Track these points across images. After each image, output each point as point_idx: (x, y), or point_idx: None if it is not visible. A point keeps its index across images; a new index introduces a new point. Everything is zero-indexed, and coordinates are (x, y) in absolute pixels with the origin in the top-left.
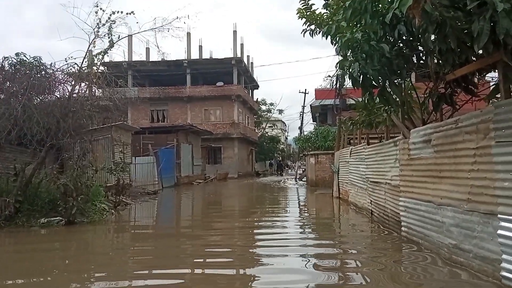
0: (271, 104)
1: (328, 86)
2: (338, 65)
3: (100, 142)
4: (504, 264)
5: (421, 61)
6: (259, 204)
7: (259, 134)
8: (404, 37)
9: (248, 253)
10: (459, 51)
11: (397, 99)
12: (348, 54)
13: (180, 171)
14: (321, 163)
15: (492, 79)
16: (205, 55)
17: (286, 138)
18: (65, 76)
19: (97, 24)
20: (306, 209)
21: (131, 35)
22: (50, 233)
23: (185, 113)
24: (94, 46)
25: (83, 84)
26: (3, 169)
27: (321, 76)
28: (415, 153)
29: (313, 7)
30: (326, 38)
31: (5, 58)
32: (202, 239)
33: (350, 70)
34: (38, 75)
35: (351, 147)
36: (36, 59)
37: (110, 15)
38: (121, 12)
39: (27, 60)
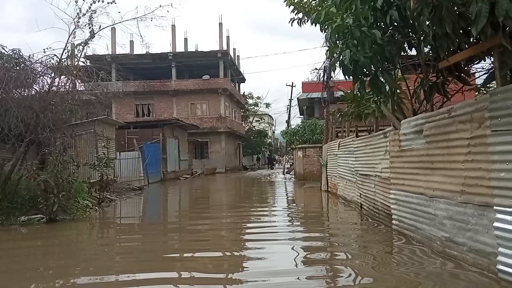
0: (258, 97)
1: (315, 79)
2: (328, 52)
3: (83, 137)
4: (500, 258)
5: (413, 48)
6: (246, 199)
7: (246, 128)
8: (396, 23)
9: (236, 251)
10: (454, 37)
11: (389, 88)
12: (338, 42)
13: (167, 166)
14: (309, 156)
15: (483, 69)
16: (191, 48)
17: (274, 132)
18: (44, 68)
19: (77, 14)
20: (294, 203)
21: (113, 25)
22: (30, 231)
23: (170, 107)
24: (75, 37)
25: (63, 77)
26: None
27: (308, 69)
28: (406, 145)
29: None
30: (315, 26)
31: None
32: (188, 237)
33: (341, 57)
34: (17, 68)
35: (339, 139)
36: (15, 51)
37: (91, 4)
38: (102, 1)
39: (5, 53)
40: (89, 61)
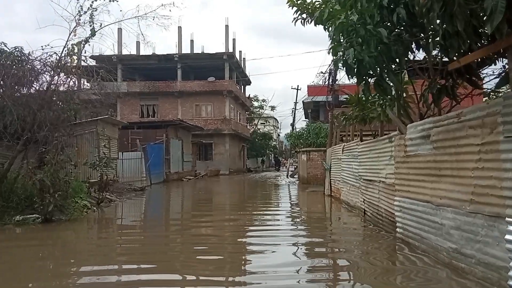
0: (263, 100)
1: (321, 83)
2: (331, 51)
3: (85, 137)
4: None
5: (421, 48)
6: (249, 202)
7: (251, 130)
8: (403, 22)
9: (237, 258)
10: (465, 36)
11: (395, 91)
12: (342, 40)
13: (170, 167)
14: (313, 160)
15: (493, 73)
16: (197, 50)
17: (278, 135)
18: (43, 66)
19: (79, 11)
20: (297, 207)
21: (113, 23)
22: (25, 231)
23: (175, 108)
24: (75, 35)
25: (62, 75)
26: None
27: (314, 72)
28: (412, 150)
29: None
30: (319, 25)
31: None
32: (188, 243)
33: (345, 56)
34: (19, 65)
35: (343, 143)
36: (17, 49)
37: (92, 1)
38: None
39: (8, 50)
40: (95, 61)
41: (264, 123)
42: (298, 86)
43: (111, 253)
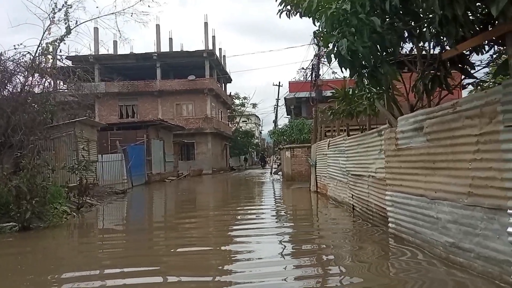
0: (245, 98)
1: (302, 79)
2: (322, 42)
3: (63, 139)
4: None
5: (414, 37)
6: (234, 201)
7: (233, 128)
8: (395, 9)
9: (223, 255)
10: (463, 22)
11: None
12: (334, 32)
13: (151, 168)
14: (297, 156)
15: (481, 62)
16: (176, 48)
17: (261, 132)
18: (16, 66)
19: (53, 9)
20: (283, 205)
21: (90, 20)
22: (1, 241)
23: (155, 108)
24: (50, 34)
25: (37, 76)
26: None
27: (295, 68)
28: (403, 143)
29: None
30: (305, 17)
31: None
32: (173, 245)
33: (337, 47)
34: None
35: (329, 139)
36: None
37: None
38: None
39: None
40: (71, 61)
41: (246, 121)
42: (279, 82)
43: (92, 259)
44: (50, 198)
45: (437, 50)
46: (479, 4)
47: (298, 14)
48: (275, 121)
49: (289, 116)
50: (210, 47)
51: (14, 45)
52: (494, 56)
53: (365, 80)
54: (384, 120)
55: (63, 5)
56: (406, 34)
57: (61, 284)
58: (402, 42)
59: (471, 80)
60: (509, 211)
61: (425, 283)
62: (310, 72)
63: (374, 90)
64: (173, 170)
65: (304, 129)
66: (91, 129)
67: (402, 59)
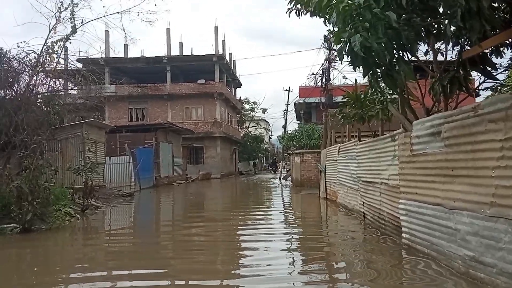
0: (254, 103)
1: (312, 84)
2: (333, 39)
3: (70, 141)
4: None
5: (432, 35)
6: (242, 207)
7: (242, 133)
8: (413, 4)
9: (230, 269)
10: (488, 16)
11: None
12: (347, 28)
13: (160, 171)
14: (306, 162)
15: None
16: (186, 52)
17: (270, 137)
18: (20, 65)
19: (59, 8)
20: (291, 212)
21: (95, 19)
22: (1, 242)
23: (165, 111)
24: (55, 33)
25: (41, 75)
26: None
27: (305, 74)
28: (419, 148)
29: None
30: (316, 16)
31: None
32: (179, 249)
33: (350, 43)
34: None
35: (339, 144)
36: None
37: None
38: None
39: None
40: (81, 64)
41: (256, 126)
42: (289, 87)
43: (91, 263)
44: (53, 200)
45: (449, 53)
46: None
47: (309, 13)
48: (284, 126)
49: (298, 122)
50: (220, 51)
51: (17, 43)
52: None
53: (379, 81)
54: (397, 125)
55: (69, 3)
56: (423, 31)
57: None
58: (419, 40)
59: (489, 84)
60: None
61: None
62: (320, 77)
63: (387, 93)
64: (182, 174)
65: (313, 135)
66: (99, 131)
67: (417, 63)
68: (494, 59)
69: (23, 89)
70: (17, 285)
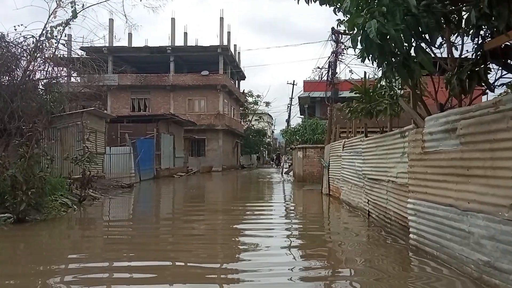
0: (258, 96)
1: (317, 78)
2: (347, 25)
3: (69, 130)
4: None
5: (453, 23)
6: (242, 201)
7: (245, 126)
8: None
9: (229, 269)
10: None
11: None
12: (362, 13)
13: (160, 163)
14: (309, 157)
15: None
16: (190, 43)
17: (273, 131)
18: (17, 49)
19: None
20: (293, 208)
21: (97, 4)
22: None
23: (167, 102)
24: (55, 17)
25: (40, 61)
26: None
27: (310, 68)
28: (431, 146)
29: None
30: (326, 4)
31: None
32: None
33: (365, 29)
34: None
35: (344, 140)
36: None
37: None
38: None
39: None
40: (84, 52)
41: (259, 120)
42: (294, 81)
43: (87, 255)
44: (50, 190)
45: (465, 47)
46: None
47: (318, 0)
48: (288, 120)
49: (302, 116)
50: (225, 42)
51: (14, 26)
52: None
53: (395, 72)
54: (406, 121)
55: None
56: (443, 20)
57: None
58: (440, 28)
59: (505, 80)
60: None
61: None
62: (326, 70)
63: (397, 88)
64: (183, 166)
65: (317, 129)
66: (99, 120)
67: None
68: None
69: (20, 75)
70: (7, 275)
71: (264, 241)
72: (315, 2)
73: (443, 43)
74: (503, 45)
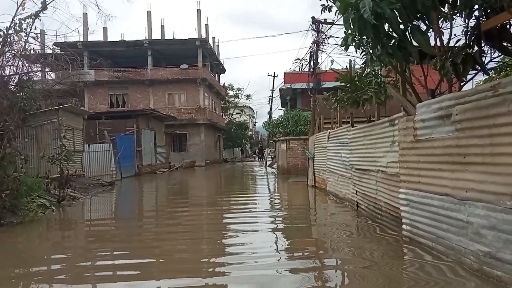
0: (239, 89)
1: (297, 70)
2: (339, 5)
3: (45, 128)
4: None
5: (447, 3)
6: (225, 196)
7: (227, 120)
8: None
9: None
10: None
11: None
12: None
13: (142, 159)
14: (292, 149)
15: None
16: (168, 36)
17: (255, 124)
18: None
19: None
20: (278, 201)
21: None
22: None
23: (147, 97)
24: (24, 9)
25: (9, 55)
26: None
27: (290, 59)
28: (424, 133)
29: None
30: None
31: None
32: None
33: (359, 9)
34: None
35: (329, 130)
36: None
37: None
38: None
39: None
40: (59, 48)
41: (240, 113)
42: (274, 73)
43: (61, 260)
44: (26, 191)
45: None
46: None
47: None
48: (270, 113)
49: (284, 108)
50: (203, 35)
51: None
52: None
53: (389, 55)
54: (393, 110)
55: None
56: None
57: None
58: (436, 6)
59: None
60: None
61: None
62: (307, 61)
63: (382, 76)
64: (165, 162)
65: (300, 121)
66: (76, 117)
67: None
68: None
69: None
70: None
71: (250, 235)
72: None
73: (430, 27)
74: (498, 25)
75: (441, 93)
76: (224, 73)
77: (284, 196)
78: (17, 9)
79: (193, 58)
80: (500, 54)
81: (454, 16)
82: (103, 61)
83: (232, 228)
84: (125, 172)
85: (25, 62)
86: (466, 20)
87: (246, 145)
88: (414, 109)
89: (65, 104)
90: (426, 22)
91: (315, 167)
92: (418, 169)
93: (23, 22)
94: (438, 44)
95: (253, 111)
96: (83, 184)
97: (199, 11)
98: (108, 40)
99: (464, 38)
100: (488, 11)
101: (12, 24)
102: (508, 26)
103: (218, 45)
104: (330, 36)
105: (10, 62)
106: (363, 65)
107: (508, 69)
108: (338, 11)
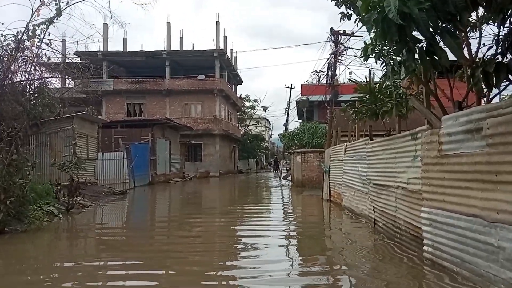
0: (255, 100)
1: (315, 82)
2: (361, 5)
3: (59, 135)
4: None
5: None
6: (240, 207)
7: (242, 131)
8: None
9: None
10: None
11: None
12: None
13: (156, 168)
14: (308, 161)
15: None
16: (186, 48)
17: (270, 136)
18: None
19: None
20: (292, 215)
21: (81, 1)
22: None
23: (163, 107)
24: (38, 15)
25: (21, 61)
26: None
27: (307, 70)
28: (450, 148)
29: None
30: None
31: None
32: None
33: (383, 9)
34: None
35: (346, 143)
36: None
37: None
38: None
39: None
40: (79, 58)
41: (256, 124)
42: (291, 85)
43: (63, 275)
44: (35, 198)
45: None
46: None
47: None
48: (286, 124)
49: (300, 120)
50: (221, 46)
51: None
52: None
53: (416, 61)
54: (412, 124)
55: None
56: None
57: None
58: (469, 8)
59: None
60: None
61: None
62: (325, 73)
63: (403, 87)
64: (179, 171)
65: (316, 133)
66: (91, 125)
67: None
68: None
69: (1, 77)
70: None
71: (262, 249)
72: None
73: (461, 30)
74: None
75: (468, 106)
76: (241, 84)
77: (298, 210)
78: (32, 15)
79: (211, 69)
80: None
81: (482, 25)
82: (123, 71)
83: (244, 242)
84: (138, 181)
85: (37, 68)
86: (501, 27)
87: (261, 157)
88: (439, 122)
89: (82, 112)
90: (458, 25)
91: (330, 181)
92: (443, 186)
93: (36, 28)
94: (466, 53)
95: (269, 123)
96: (94, 192)
97: (218, 23)
98: (128, 50)
99: (495, 46)
100: None
101: (26, 30)
102: None
103: (236, 57)
104: (349, 48)
105: (21, 68)
106: (383, 78)
107: None
108: (357, 19)
